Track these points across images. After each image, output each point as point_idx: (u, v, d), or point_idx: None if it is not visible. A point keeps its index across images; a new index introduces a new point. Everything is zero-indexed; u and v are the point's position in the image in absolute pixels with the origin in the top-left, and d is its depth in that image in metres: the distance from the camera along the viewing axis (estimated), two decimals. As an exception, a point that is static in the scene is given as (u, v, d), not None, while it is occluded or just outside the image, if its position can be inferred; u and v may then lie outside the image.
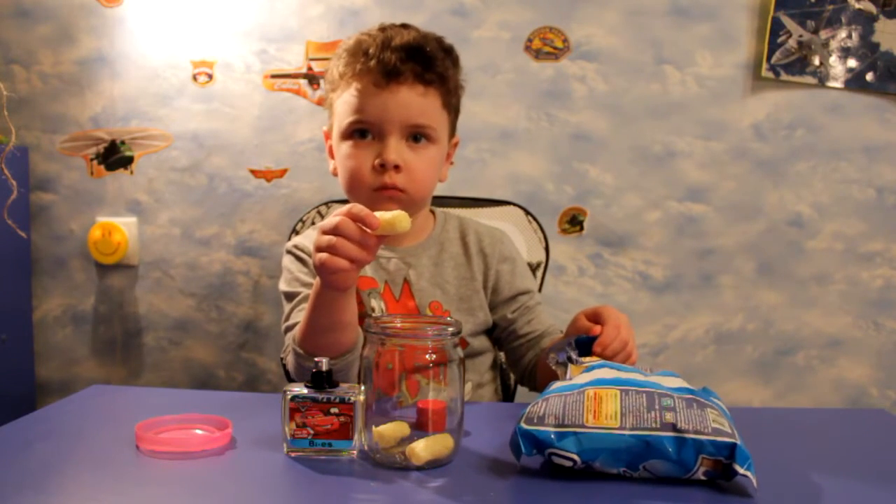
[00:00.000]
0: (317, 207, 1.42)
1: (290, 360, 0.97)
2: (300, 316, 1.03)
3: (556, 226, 1.77)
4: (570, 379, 0.76)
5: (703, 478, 0.65)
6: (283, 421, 0.73)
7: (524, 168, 1.77)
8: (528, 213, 1.43)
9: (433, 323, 0.83)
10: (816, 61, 1.70)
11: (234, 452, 0.75)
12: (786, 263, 1.77)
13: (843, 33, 1.69)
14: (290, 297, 1.08)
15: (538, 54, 1.75)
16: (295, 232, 1.39)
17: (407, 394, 0.75)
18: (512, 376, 1.32)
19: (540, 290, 1.35)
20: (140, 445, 0.75)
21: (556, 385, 0.75)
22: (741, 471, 0.63)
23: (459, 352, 0.74)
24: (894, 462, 0.77)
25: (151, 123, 1.81)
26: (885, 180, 1.74)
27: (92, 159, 1.83)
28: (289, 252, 1.13)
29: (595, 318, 0.93)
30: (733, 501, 0.63)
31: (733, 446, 0.64)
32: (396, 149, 1.02)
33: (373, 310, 1.07)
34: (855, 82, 1.71)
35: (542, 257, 1.41)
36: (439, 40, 1.08)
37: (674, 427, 0.65)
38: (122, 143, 1.82)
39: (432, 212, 1.17)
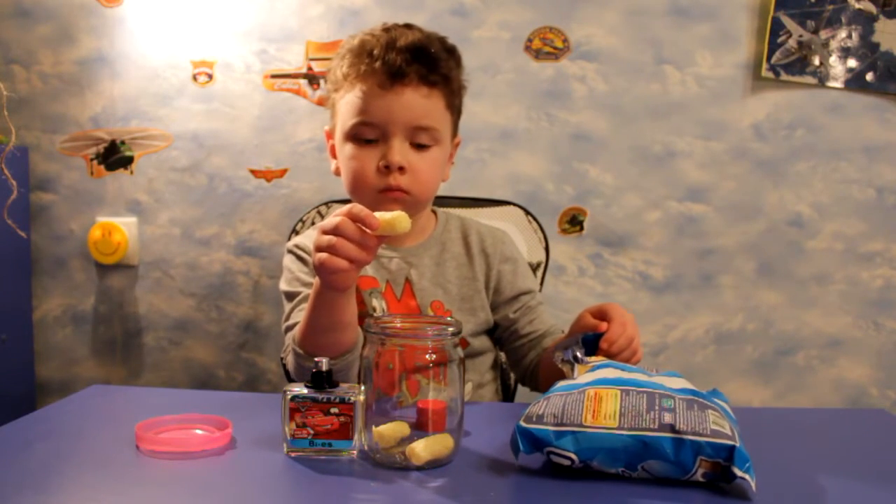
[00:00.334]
0: (317, 207, 1.42)
1: (290, 360, 0.97)
2: (300, 316, 1.03)
3: (556, 226, 1.77)
4: (576, 378, 0.76)
5: (702, 480, 0.65)
6: (283, 421, 0.73)
7: (524, 168, 1.77)
8: (528, 213, 1.43)
9: (433, 323, 0.83)
10: (816, 61, 1.70)
11: (234, 452, 0.75)
12: (786, 263, 1.77)
13: (843, 33, 1.69)
14: (290, 296, 1.08)
15: (538, 54, 1.75)
16: (295, 232, 1.39)
17: (407, 393, 0.75)
18: (512, 376, 1.32)
19: (540, 290, 1.35)
20: (140, 445, 0.75)
21: (560, 384, 0.75)
22: (739, 473, 0.63)
23: (459, 352, 0.74)
24: (894, 462, 0.77)
25: (151, 123, 1.81)
26: (885, 180, 1.74)
27: (92, 159, 1.83)
28: (289, 252, 1.13)
29: (601, 315, 0.93)
30: (733, 502, 0.63)
31: (732, 448, 0.63)
32: (401, 150, 1.01)
33: (374, 309, 1.07)
34: (855, 82, 1.71)
35: (542, 257, 1.41)
36: (442, 41, 1.07)
37: (672, 428, 0.65)
38: (122, 143, 1.82)
39: (434, 212, 1.17)
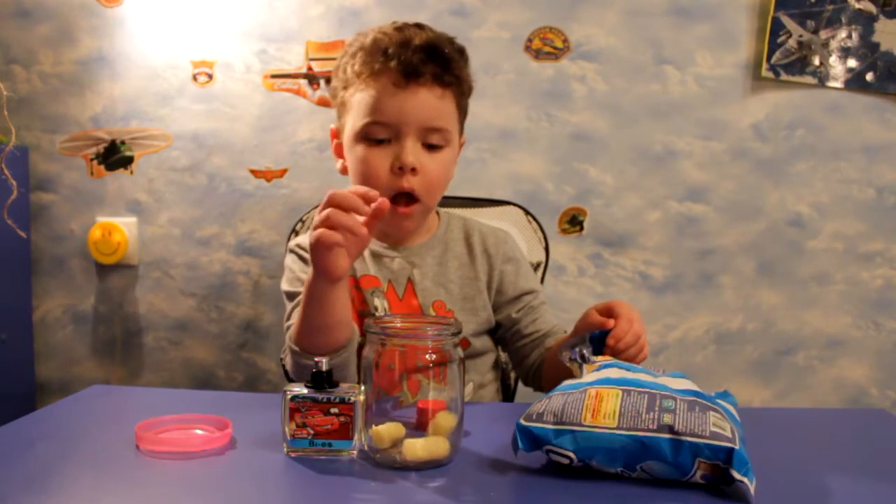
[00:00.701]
0: (317, 207, 1.42)
1: (288, 360, 0.97)
2: None
3: (556, 226, 1.77)
4: (583, 377, 0.76)
5: (701, 482, 0.65)
6: (283, 421, 0.73)
7: (524, 168, 1.77)
8: (528, 213, 1.43)
9: (433, 323, 0.83)
10: (816, 61, 1.70)
11: (234, 452, 0.75)
12: (786, 263, 1.77)
13: (843, 33, 1.69)
14: (291, 296, 1.08)
15: (538, 54, 1.75)
16: (295, 232, 1.39)
17: (408, 393, 0.75)
18: (512, 376, 1.32)
19: (540, 290, 1.35)
20: (140, 445, 0.75)
21: (565, 383, 0.75)
22: (738, 476, 0.62)
23: (460, 352, 0.73)
24: (894, 462, 0.77)
25: (151, 123, 1.81)
26: (885, 180, 1.74)
27: (92, 159, 1.83)
28: (291, 251, 1.13)
29: (607, 312, 0.93)
30: (733, 503, 0.63)
31: (731, 451, 0.63)
32: (413, 151, 1.01)
33: (376, 309, 1.07)
34: (855, 82, 1.71)
35: (542, 257, 1.41)
36: (451, 41, 1.07)
37: (671, 429, 0.65)
38: (122, 143, 1.82)
39: (437, 212, 1.17)
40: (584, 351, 0.82)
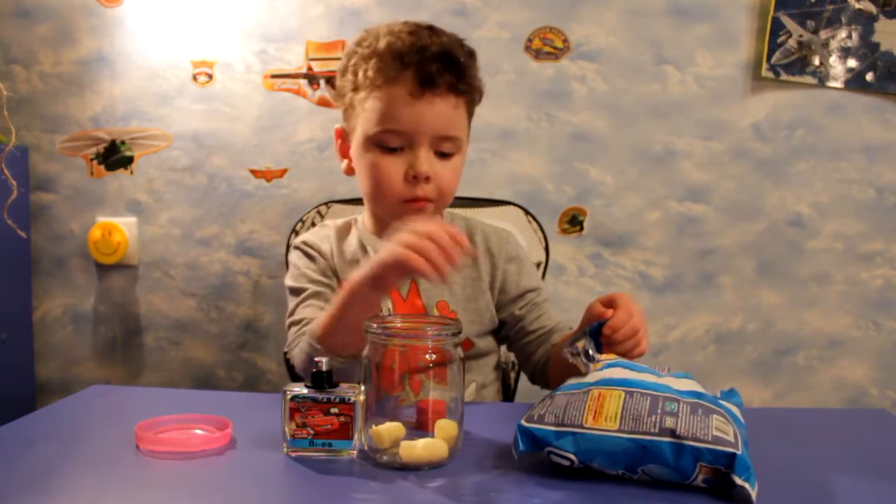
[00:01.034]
0: (317, 207, 1.42)
1: (297, 355, 0.96)
2: (308, 312, 1.02)
3: (556, 226, 1.77)
4: (587, 376, 0.76)
5: (702, 485, 0.65)
6: (283, 421, 0.73)
7: (524, 168, 1.77)
8: (527, 213, 1.43)
9: (433, 323, 0.83)
10: (816, 61, 1.70)
11: (234, 452, 0.75)
12: (786, 263, 1.77)
13: (843, 33, 1.69)
14: (296, 292, 1.07)
15: (538, 54, 1.75)
16: (295, 232, 1.39)
17: (410, 392, 0.75)
18: (512, 376, 1.32)
19: (540, 290, 1.35)
20: (140, 445, 0.75)
21: (569, 382, 0.74)
22: (739, 482, 0.62)
23: (460, 352, 0.74)
24: (894, 462, 0.77)
25: (151, 123, 1.81)
26: (885, 180, 1.74)
27: (92, 159, 1.83)
28: (296, 248, 1.13)
29: (609, 303, 0.93)
30: None
31: (733, 456, 0.63)
32: (427, 160, 1.01)
33: (380, 309, 1.07)
34: (855, 82, 1.71)
35: (542, 257, 1.41)
36: (462, 44, 1.06)
37: (672, 433, 0.64)
38: (122, 143, 1.82)
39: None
40: (589, 348, 0.82)
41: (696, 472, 0.64)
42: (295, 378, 1.08)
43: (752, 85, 1.73)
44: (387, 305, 1.08)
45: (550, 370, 1.08)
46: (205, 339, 1.85)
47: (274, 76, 1.77)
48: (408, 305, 1.08)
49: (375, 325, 0.73)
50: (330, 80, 1.76)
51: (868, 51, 1.69)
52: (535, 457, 0.69)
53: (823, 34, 1.69)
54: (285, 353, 1.04)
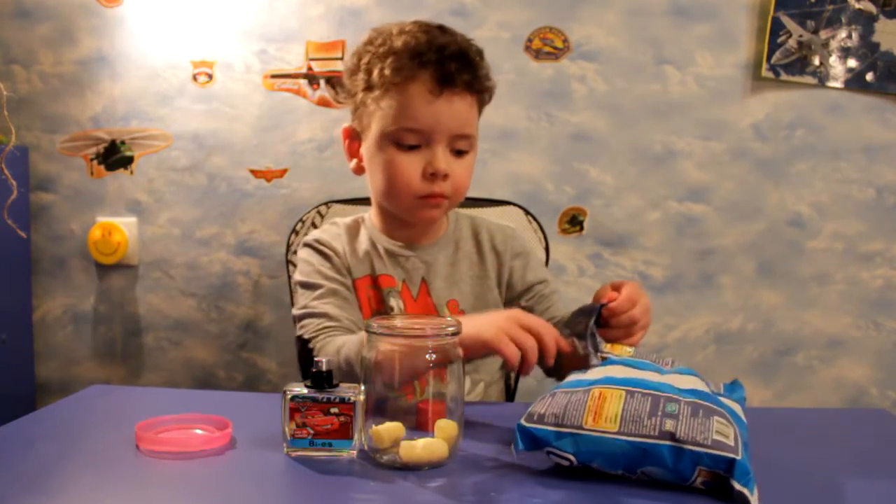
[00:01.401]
0: (317, 207, 1.42)
1: (330, 352, 0.95)
2: (330, 308, 1.03)
3: (556, 226, 1.77)
4: (587, 373, 0.76)
5: (702, 487, 0.64)
6: (283, 421, 0.73)
7: (524, 168, 1.77)
8: (528, 213, 1.43)
9: (433, 323, 0.83)
10: (816, 61, 1.70)
11: (234, 452, 0.75)
12: (786, 263, 1.77)
13: (843, 33, 1.69)
14: (310, 287, 1.07)
15: (538, 54, 1.75)
16: (294, 232, 1.39)
17: (418, 390, 0.75)
18: (513, 375, 1.32)
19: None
20: (140, 445, 0.75)
21: (570, 379, 0.74)
22: (738, 487, 0.61)
23: (459, 351, 0.74)
24: (894, 462, 0.77)
25: (151, 123, 1.81)
26: (885, 180, 1.74)
27: (92, 159, 1.83)
28: (308, 245, 1.12)
29: (618, 289, 0.93)
30: None
31: (732, 461, 0.62)
32: (444, 158, 1.02)
33: (391, 308, 1.08)
34: (855, 82, 1.71)
35: (542, 257, 1.41)
36: (471, 43, 1.06)
37: (672, 436, 0.64)
38: (122, 143, 1.82)
39: None
40: (596, 341, 0.82)
41: (695, 476, 0.64)
42: (305, 365, 1.08)
43: (752, 85, 1.73)
44: (398, 304, 1.08)
45: (564, 359, 1.08)
46: (205, 339, 1.85)
47: (274, 76, 1.77)
48: (419, 304, 1.09)
49: (376, 325, 0.73)
50: (330, 80, 1.76)
51: (868, 51, 1.69)
52: (535, 457, 0.69)
53: (823, 34, 1.69)
54: (305, 340, 1.02)
